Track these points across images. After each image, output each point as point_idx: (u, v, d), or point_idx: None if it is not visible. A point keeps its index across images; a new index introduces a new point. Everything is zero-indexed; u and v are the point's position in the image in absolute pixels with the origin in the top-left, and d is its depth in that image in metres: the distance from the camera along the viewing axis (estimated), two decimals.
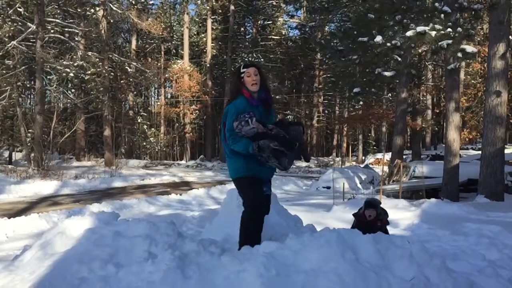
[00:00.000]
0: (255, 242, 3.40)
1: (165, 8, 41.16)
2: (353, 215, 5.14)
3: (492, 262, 4.38)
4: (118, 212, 4.98)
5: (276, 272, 2.80)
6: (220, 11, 37.69)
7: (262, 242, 3.43)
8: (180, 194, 13.21)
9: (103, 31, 26.02)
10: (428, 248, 3.61)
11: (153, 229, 3.51)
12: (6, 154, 27.19)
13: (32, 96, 31.00)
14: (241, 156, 3.52)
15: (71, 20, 24.61)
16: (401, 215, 8.48)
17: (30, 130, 21.77)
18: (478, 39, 22.20)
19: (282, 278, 2.78)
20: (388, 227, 7.07)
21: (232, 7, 35.98)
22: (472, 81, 28.92)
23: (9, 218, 8.35)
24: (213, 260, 3.13)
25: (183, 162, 34.20)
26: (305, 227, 4.70)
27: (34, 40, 20.69)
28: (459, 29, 10.07)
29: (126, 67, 29.90)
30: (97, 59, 24.51)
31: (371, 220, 4.87)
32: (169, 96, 40.77)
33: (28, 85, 25.26)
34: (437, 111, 33.32)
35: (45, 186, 15.07)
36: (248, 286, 2.72)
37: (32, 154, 20.09)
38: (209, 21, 36.17)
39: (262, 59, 35.96)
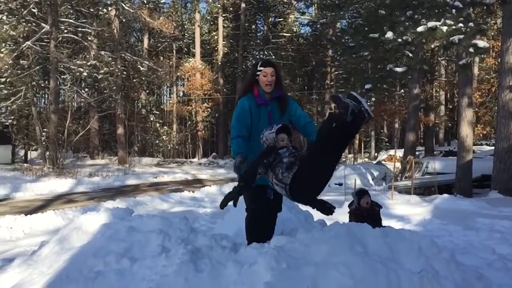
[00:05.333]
0: (260, 240, 3.41)
1: (176, 6, 41.42)
2: (349, 212, 5.13)
3: (502, 256, 4.39)
4: (132, 209, 5.08)
5: (286, 265, 2.85)
6: (231, 9, 37.75)
7: (273, 237, 3.48)
8: (193, 192, 13.31)
9: (115, 31, 26.28)
10: (437, 242, 3.64)
11: (167, 224, 3.58)
12: (22, 153, 27.60)
13: (46, 96, 31.37)
14: None
15: (84, 20, 24.87)
16: (413, 210, 8.49)
17: (45, 129, 22.07)
18: (492, 33, 21.95)
19: (292, 271, 2.83)
20: (400, 223, 7.14)
21: (243, 5, 35.98)
22: (486, 76, 28.61)
23: (26, 215, 8.54)
24: (225, 254, 3.19)
25: (195, 160, 34.37)
26: (315, 222, 4.74)
27: (48, 40, 20.97)
28: (471, 24, 10.00)
29: (139, 66, 30.18)
30: (110, 58, 24.77)
31: (368, 207, 4.95)
32: (181, 94, 40.97)
33: (42, 85, 25.57)
34: (451, 106, 33.02)
35: (60, 184, 15.29)
36: (259, 278, 2.76)
37: (47, 153, 20.37)
38: (220, 19, 36.23)
39: (273, 56, 35.87)
